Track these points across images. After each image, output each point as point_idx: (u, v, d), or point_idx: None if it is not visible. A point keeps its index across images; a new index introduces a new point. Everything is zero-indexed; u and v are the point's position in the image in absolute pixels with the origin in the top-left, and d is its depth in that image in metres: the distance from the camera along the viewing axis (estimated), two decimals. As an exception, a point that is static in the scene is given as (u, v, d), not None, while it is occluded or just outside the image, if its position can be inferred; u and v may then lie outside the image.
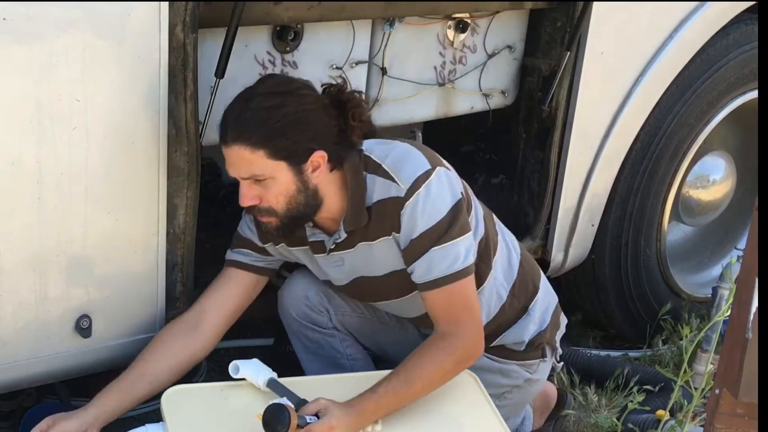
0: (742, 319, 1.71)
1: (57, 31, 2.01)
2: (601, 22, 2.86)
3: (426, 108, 2.82)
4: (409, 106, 2.79)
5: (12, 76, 2.00)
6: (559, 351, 2.61)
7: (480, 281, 2.35)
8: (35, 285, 2.18)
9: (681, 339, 3.22)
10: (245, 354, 3.18)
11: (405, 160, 2.23)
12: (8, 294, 2.16)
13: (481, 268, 2.34)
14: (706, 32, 3.14)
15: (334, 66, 2.60)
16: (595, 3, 2.80)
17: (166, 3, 2.12)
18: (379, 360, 2.62)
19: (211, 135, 2.43)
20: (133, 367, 2.27)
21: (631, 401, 2.48)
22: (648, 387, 2.79)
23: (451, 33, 2.77)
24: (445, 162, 2.29)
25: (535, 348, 2.50)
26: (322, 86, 2.27)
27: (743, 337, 1.70)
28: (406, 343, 2.49)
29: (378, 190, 2.22)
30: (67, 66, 2.04)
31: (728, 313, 1.92)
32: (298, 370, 2.81)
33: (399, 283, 2.31)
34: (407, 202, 2.18)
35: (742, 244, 3.57)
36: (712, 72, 3.24)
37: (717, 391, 1.78)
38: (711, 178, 3.53)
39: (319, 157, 2.16)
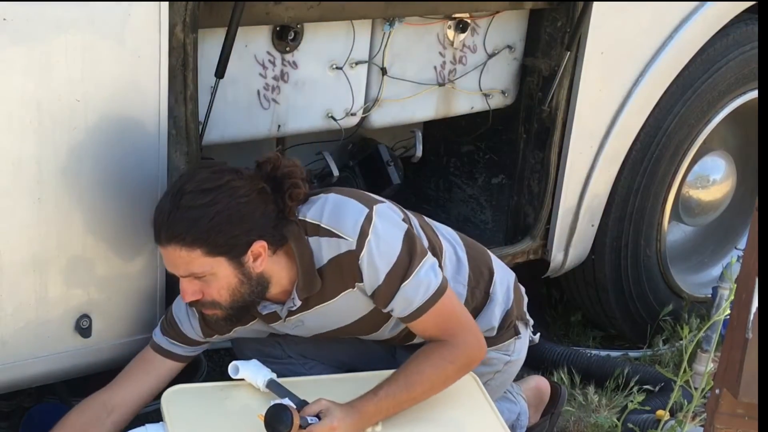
0: (742, 319, 1.71)
1: (57, 31, 2.01)
2: (601, 22, 2.86)
3: (426, 108, 2.82)
4: (409, 106, 2.79)
5: (12, 77, 2.00)
6: (531, 321, 2.57)
7: None
8: (35, 285, 2.18)
9: (681, 339, 3.22)
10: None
11: (341, 212, 2.16)
12: (8, 294, 2.16)
13: None
14: (706, 32, 3.14)
15: (334, 66, 2.60)
16: (595, 3, 2.80)
17: (166, 3, 2.12)
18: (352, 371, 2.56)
19: (211, 135, 2.43)
20: None
21: (631, 401, 2.48)
22: (648, 387, 2.80)
23: (451, 33, 2.77)
24: (375, 197, 2.26)
25: (507, 328, 2.48)
26: (255, 162, 2.19)
27: (743, 337, 1.70)
28: (368, 354, 2.49)
29: (326, 249, 2.15)
30: (67, 66, 2.04)
31: (728, 313, 1.92)
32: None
33: (369, 324, 2.30)
34: (362, 253, 2.12)
35: (742, 244, 3.58)
36: (712, 72, 3.24)
37: (717, 391, 1.78)
38: (711, 178, 3.53)
39: (260, 247, 2.09)
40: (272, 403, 2.04)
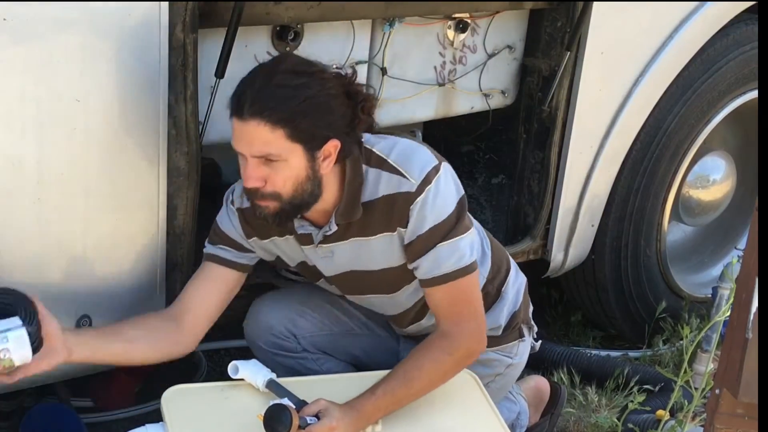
0: (742, 319, 1.71)
1: (57, 31, 2.01)
2: (601, 22, 2.86)
3: (426, 108, 2.82)
4: (409, 106, 2.79)
5: (12, 76, 2.00)
6: (535, 328, 2.58)
7: None
8: (35, 285, 2.18)
9: (681, 339, 3.22)
10: (245, 354, 3.18)
11: (412, 155, 2.18)
12: (8, 294, 2.16)
13: None
14: (706, 32, 3.14)
15: (335, 66, 2.60)
16: (595, 3, 2.80)
17: (166, 3, 2.12)
18: (362, 369, 2.57)
19: (211, 135, 2.43)
20: (113, 326, 2.19)
21: (632, 401, 2.48)
22: (648, 387, 2.80)
23: (451, 33, 2.77)
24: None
25: (512, 329, 2.48)
26: (333, 74, 2.17)
27: (743, 337, 1.70)
28: (381, 349, 2.49)
29: (384, 184, 2.16)
30: (67, 66, 2.04)
31: (728, 313, 1.92)
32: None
33: (392, 279, 2.29)
34: (418, 198, 2.13)
35: (742, 244, 3.57)
36: (712, 72, 3.24)
37: (717, 391, 1.78)
38: (711, 178, 3.53)
39: (333, 146, 2.08)
40: (271, 403, 2.04)
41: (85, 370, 2.39)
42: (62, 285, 2.22)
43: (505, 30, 2.89)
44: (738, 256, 2.34)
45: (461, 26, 2.77)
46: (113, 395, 2.79)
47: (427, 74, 2.79)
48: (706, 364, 2.92)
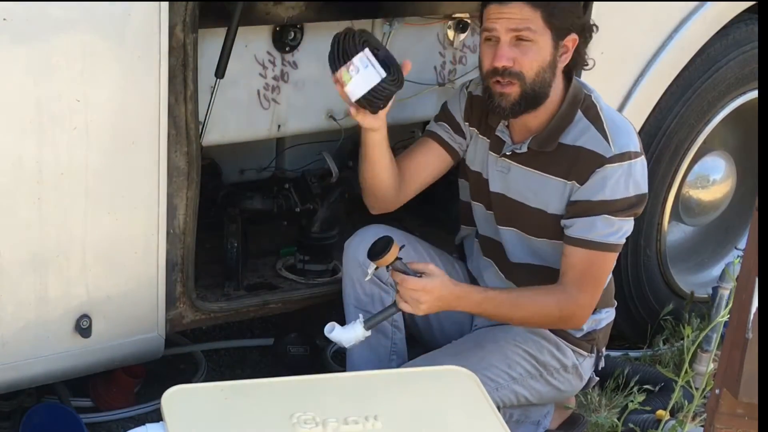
0: (742, 319, 1.71)
1: (57, 31, 2.01)
2: (601, 22, 2.85)
3: (426, 108, 2.82)
4: (409, 106, 2.79)
5: (12, 76, 2.00)
6: (602, 363, 2.65)
7: None
8: (35, 285, 2.18)
9: (681, 339, 3.22)
10: (245, 354, 3.19)
11: (625, 130, 2.34)
12: (8, 294, 2.16)
13: None
14: (706, 32, 3.14)
15: (334, 66, 2.60)
16: (595, 3, 2.80)
17: (166, 3, 2.12)
18: (412, 342, 2.64)
19: (211, 135, 2.43)
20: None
21: (632, 401, 2.47)
22: (648, 387, 2.79)
23: (451, 33, 2.77)
24: None
25: (587, 340, 2.55)
26: None
27: (743, 337, 1.70)
28: (451, 320, 2.57)
29: (585, 136, 2.32)
30: (67, 66, 2.04)
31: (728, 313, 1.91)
32: (297, 370, 2.81)
33: (539, 222, 2.39)
34: (608, 165, 2.28)
35: (742, 244, 3.57)
36: (712, 72, 3.24)
37: (717, 391, 1.78)
38: (711, 178, 3.53)
39: (572, 41, 2.32)
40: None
41: (85, 370, 2.39)
42: (62, 285, 2.22)
43: (505, 30, 2.89)
44: (738, 256, 2.34)
45: (461, 26, 2.77)
46: (113, 395, 2.79)
47: (427, 74, 2.79)
48: (707, 364, 2.92)
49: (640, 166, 2.34)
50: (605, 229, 2.31)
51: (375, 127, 2.35)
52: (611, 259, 2.37)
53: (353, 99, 2.25)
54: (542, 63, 2.29)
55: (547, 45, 2.28)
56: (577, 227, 2.32)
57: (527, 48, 2.27)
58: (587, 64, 2.45)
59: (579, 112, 2.36)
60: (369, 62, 2.22)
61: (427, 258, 2.59)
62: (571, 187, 2.34)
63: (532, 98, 2.32)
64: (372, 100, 2.25)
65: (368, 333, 2.28)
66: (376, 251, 2.19)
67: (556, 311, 2.33)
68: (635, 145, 2.34)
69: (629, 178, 2.31)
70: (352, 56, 2.20)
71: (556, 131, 2.36)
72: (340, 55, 2.21)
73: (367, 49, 2.22)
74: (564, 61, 2.34)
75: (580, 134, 2.34)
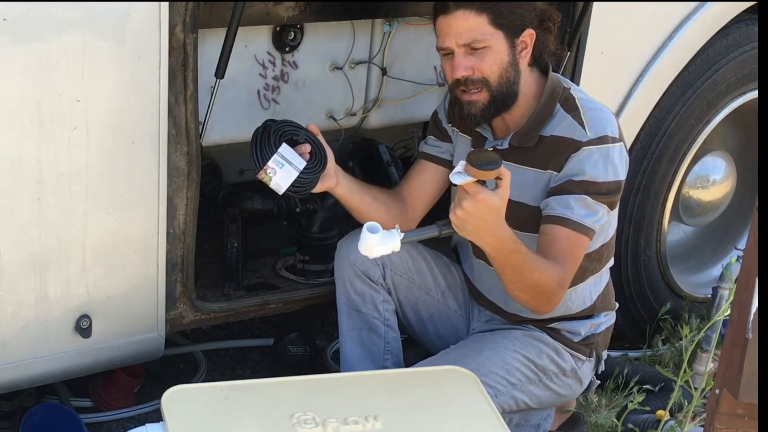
0: (742, 319, 1.71)
1: (57, 31, 2.01)
2: (601, 22, 2.86)
3: (426, 108, 2.82)
4: (409, 106, 2.79)
5: (12, 76, 2.00)
6: (602, 367, 2.65)
7: (581, 279, 2.44)
8: (35, 285, 2.18)
9: (681, 339, 3.22)
10: (245, 354, 3.19)
11: (602, 117, 2.33)
12: (8, 294, 2.16)
13: (591, 268, 2.46)
14: (706, 32, 3.14)
15: (335, 66, 2.60)
16: (595, 3, 2.80)
17: (166, 3, 2.12)
18: (412, 342, 2.64)
19: (211, 135, 2.43)
20: (363, 183, 2.48)
21: (631, 401, 2.47)
22: (648, 387, 2.79)
23: (451, 33, 2.77)
24: None
25: (586, 344, 2.55)
26: None
27: (743, 337, 1.70)
28: (446, 322, 2.57)
29: (563, 127, 2.32)
30: (67, 66, 2.04)
31: (728, 313, 1.91)
32: (297, 370, 2.81)
33: (521, 216, 2.34)
34: (584, 148, 2.28)
35: (742, 244, 3.57)
36: (712, 72, 3.24)
37: (717, 391, 1.78)
38: (711, 178, 3.53)
39: (529, 36, 2.30)
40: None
41: (85, 370, 2.39)
42: (62, 285, 2.22)
43: (505, 30, 2.89)
44: (738, 256, 2.34)
45: (461, 26, 2.76)
46: (113, 395, 2.79)
47: (427, 74, 2.79)
48: (706, 364, 2.92)
49: (618, 151, 2.32)
50: (582, 210, 2.27)
51: (330, 187, 2.38)
52: (585, 243, 2.31)
53: (280, 193, 2.30)
54: (502, 64, 2.28)
55: (501, 46, 2.27)
56: (554, 204, 2.29)
57: (483, 53, 2.26)
58: (560, 53, 2.46)
59: (558, 105, 2.36)
60: (284, 161, 2.26)
61: (425, 260, 2.59)
62: (549, 176, 2.33)
63: (501, 100, 2.32)
64: (298, 190, 2.31)
65: (397, 248, 2.16)
66: (489, 160, 2.04)
67: (554, 284, 2.26)
68: (613, 131, 2.33)
69: (607, 161, 2.29)
70: (268, 159, 2.25)
71: (535, 126, 2.35)
72: (258, 159, 2.26)
73: (283, 146, 2.26)
74: (525, 56, 2.32)
75: (557, 124, 2.34)
